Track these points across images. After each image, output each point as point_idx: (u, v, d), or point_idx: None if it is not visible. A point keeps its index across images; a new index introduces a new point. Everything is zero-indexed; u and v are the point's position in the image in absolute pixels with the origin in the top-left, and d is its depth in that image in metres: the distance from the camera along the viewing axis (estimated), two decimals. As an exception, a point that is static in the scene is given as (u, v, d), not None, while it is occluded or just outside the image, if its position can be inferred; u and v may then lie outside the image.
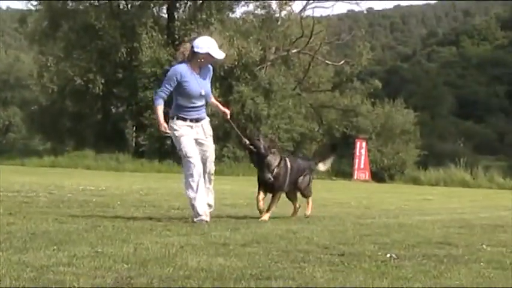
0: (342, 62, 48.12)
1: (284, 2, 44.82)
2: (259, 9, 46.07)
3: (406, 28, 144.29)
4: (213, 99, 8.93)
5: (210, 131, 8.71)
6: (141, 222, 8.00)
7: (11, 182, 16.87)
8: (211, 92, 8.87)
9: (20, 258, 4.94)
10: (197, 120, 8.57)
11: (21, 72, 67.74)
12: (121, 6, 44.58)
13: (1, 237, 6.04)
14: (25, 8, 47.23)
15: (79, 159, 38.60)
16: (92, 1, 43.99)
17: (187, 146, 8.44)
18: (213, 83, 9.21)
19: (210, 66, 8.71)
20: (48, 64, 42.10)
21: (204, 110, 8.69)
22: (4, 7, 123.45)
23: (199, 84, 8.50)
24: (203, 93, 8.53)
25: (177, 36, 41.49)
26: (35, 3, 45.28)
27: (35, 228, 6.88)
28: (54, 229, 6.85)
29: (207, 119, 8.72)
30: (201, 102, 8.61)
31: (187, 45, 8.70)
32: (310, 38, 44.54)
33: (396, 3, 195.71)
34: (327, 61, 48.14)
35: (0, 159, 43.10)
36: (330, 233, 7.43)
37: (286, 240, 6.61)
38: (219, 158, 37.03)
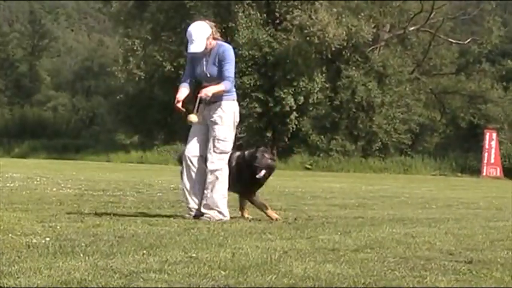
0: (468, 41, 47.33)
1: (400, -29, 44.29)
2: (371, -19, 45.62)
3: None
4: None
5: None
6: (239, 224, 8.07)
7: (96, 180, 17.37)
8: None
9: (107, 263, 5.05)
10: None
11: (106, 57, 69.28)
12: (215, -18, 44.82)
13: (87, 240, 6.22)
14: (110, -14, 48.02)
15: (170, 155, 39.17)
16: (182, -24, 44.13)
17: None
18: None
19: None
20: (135, 48, 42.75)
21: None
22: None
23: None
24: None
25: (277, 15, 41.53)
26: (120, -21, 45.96)
27: (122, 230, 7.05)
28: (144, 232, 6.99)
29: None
30: None
31: None
32: (430, 14, 43.93)
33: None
34: (450, 40, 47.41)
35: (85, 155, 44.35)
36: (455, 238, 7.33)
37: (404, 245, 6.56)
38: (327, 152, 36.87)
